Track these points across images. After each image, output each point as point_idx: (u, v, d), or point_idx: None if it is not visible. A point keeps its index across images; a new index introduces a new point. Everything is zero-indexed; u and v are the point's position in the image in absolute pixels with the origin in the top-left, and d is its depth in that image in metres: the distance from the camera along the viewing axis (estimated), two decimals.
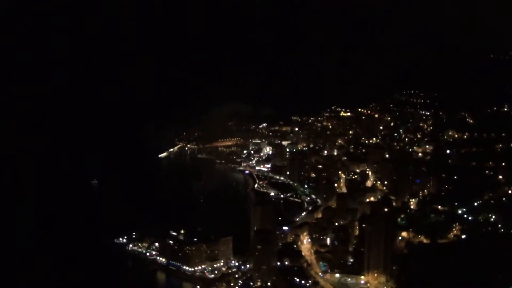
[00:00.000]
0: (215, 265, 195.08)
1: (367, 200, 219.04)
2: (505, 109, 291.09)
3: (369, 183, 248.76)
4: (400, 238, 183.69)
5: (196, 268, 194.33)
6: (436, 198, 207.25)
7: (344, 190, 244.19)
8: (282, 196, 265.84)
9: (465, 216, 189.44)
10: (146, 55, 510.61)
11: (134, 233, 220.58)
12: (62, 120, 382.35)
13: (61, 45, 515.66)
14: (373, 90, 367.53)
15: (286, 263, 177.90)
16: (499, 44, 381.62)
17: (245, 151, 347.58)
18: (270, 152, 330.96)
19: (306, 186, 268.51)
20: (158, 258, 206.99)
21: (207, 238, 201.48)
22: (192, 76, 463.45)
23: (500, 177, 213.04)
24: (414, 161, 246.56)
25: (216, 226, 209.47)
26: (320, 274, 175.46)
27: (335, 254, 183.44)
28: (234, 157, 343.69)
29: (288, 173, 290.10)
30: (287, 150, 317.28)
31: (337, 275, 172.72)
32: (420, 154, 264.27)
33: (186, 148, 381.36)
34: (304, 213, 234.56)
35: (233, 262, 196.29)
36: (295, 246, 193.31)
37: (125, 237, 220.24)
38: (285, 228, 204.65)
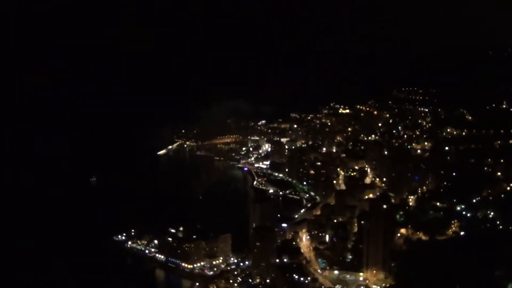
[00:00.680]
0: (214, 262, 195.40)
1: (366, 197, 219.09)
2: (504, 106, 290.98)
3: (368, 180, 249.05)
4: (398, 235, 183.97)
5: (195, 265, 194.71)
6: (435, 194, 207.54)
7: (343, 187, 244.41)
8: (281, 193, 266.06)
9: (463, 212, 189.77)
10: (145, 51, 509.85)
11: (133, 230, 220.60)
12: (61, 118, 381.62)
13: (60, 42, 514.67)
14: (372, 87, 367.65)
15: (285, 260, 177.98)
16: (498, 41, 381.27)
17: (244, 148, 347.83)
18: (269, 149, 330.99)
19: (305, 183, 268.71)
20: (157, 255, 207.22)
21: (206, 235, 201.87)
22: (191, 73, 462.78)
23: (499, 173, 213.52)
24: (413, 158, 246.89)
25: (215, 223, 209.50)
26: (319, 271, 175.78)
27: (334, 251, 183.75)
28: (233, 154, 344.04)
29: (287, 170, 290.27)
30: (286, 147, 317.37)
31: (336, 272, 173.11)
32: (418, 151, 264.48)
33: (185, 145, 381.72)
34: (303, 210, 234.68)
35: (232, 259, 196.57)
36: (294, 243, 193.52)
37: (124, 234, 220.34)
38: (284, 225, 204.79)
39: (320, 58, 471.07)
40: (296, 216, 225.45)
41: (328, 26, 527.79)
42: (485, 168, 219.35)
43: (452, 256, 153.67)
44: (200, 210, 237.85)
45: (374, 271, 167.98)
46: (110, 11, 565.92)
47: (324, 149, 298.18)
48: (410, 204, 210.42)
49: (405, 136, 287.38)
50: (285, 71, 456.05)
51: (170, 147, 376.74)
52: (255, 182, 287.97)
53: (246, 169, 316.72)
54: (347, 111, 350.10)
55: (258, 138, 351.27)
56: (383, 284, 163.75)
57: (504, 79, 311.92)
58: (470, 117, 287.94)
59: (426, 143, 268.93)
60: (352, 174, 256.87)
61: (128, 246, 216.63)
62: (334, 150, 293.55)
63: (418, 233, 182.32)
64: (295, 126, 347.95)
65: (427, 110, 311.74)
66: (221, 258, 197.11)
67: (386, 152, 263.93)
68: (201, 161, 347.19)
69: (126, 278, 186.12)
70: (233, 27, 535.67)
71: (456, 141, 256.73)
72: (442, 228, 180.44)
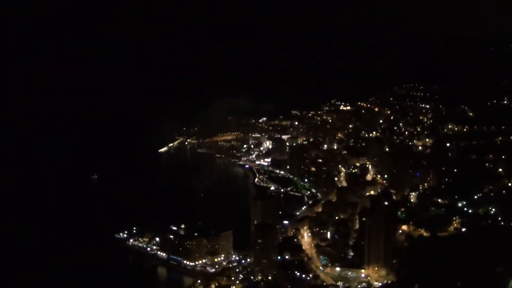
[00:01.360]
0: (215, 260, 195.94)
1: (367, 193, 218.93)
2: (505, 102, 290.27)
3: (369, 177, 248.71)
4: (400, 231, 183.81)
5: (196, 263, 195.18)
6: (436, 191, 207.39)
7: (344, 184, 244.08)
8: (282, 190, 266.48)
9: (465, 209, 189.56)
10: (145, 49, 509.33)
11: (134, 228, 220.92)
12: (62, 116, 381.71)
13: (60, 41, 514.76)
14: (373, 84, 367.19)
15: (287, 257, 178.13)
16: (499, 37, 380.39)
17: (245, 146, 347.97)
18: (270, 146, 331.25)
19: (306, 180, 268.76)
20: (158, 253, 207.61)
21: (208, 232, 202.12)
22: (191, 70, 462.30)
23: (500, 170, 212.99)
24: (414, 155, 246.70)
25: (216, 221, 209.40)
26: (320, 268, 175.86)
27: (335, 248, 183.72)
28: (234, 152, 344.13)
29: (288, 167, 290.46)
30: (287, 144, 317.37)
31: (338, 268, 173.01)
32: (420, 147, 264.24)
33: (186, 143, 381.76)
34: (304, 207, 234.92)
35: (233, 256, 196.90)
36: (295, 240, 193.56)
37: (126, 232, 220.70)
38: (286, 222, 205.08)
39: (321, 55, 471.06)
40: (297, 213, 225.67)
41: (329, 23, 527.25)
42: (487, 165, 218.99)
43: (453, 252, 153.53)
44: (202, 207, 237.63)
45: (376, 268, 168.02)
46: (111, 9, 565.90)
47: (325, 146, 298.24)
48: (412, 200, 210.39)
49: (406, 132, 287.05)
50: (286, 68, 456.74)
51: (171, 144, 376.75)
52: (256, 179, 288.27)
53: (247, 166, 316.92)
54: (348, 108, 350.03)
55: (259, 135, 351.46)
56: (385, 281, 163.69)
57: (505, 75, 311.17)
58: (471, 114, 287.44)
59: (427, 140, 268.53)
60: (353, 171, 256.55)
61: (130, 243, 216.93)
62: (335, 147, 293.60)
63: (419, 229, 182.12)
64: (296, 123, 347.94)
65: (428, 106, 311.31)
66: (223, 255, 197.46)
67: (387, 149, 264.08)
68: (202, 159, 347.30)
69: (127, 276, 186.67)
70: (234, 24, 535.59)
71: (457, 138, 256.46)
72: (444, 224, 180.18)
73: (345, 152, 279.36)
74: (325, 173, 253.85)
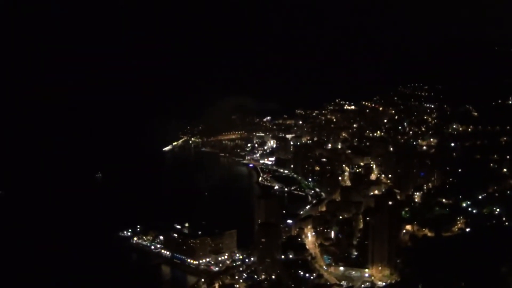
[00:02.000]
0: (219, 258, 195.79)
1: (371, 193, 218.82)
2: (510, 102, 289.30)
3: (373, 176, 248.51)
4: (404, 231, 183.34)
5: (200, 261, 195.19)
6: (441, 191, 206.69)
7: (348, 183, 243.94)
8: (286, 189, 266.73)
9: (469, 209, 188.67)
10: (149, 47, 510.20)
11: (138, 226, 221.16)
12: (66, 115, 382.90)
13: (63, 41, 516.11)
14: (377, 83, 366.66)
15: (290, 256, 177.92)
16: (504, 36, 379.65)
17: (249, 145, 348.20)
18: (274, 146, 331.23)
19: (310, 179, 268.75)
20: (162, 251, 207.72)
21: (212, 231, 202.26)
22: (195, 69, 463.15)
23: (505, 170, 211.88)
24: (419, 154, 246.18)
25: (220, 220, 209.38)
26: (324, 267, 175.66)
27: (339, 247, 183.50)
28: (238, 151, 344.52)
29: (292, 166, 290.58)
30: (291, 143, 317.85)
31: (341, 268, 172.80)
32: (424, 147, 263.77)
33: (190, 142, 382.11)
34: (308, 206, 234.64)
35: (237, 255, 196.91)
36: (299, 239, 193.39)
37: (130, 230, 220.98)
38: (289, 221, 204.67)
39: (325, 54, 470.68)
40: (301, 212, 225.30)
41: (333, 22, 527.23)
42: (491, 164, 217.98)
43: (457, 252, 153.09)
44: (206, 206, 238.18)
45: (380, 268, 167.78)
46: (116, 7, 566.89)
47: (329, 145, 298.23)
48: (416, 200, 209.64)
49: (411, 132, 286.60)
50: (290, 67, 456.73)
51: (176, 143, 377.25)
52: (260, 179, 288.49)
53: (251, 165, 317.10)
54: (353, 107, 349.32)
55: (263, 134, 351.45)
56: (389, 281, 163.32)
57: (510, 74, 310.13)
58: (475, 113, 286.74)
59: (431, 139, 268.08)
60: (357, 170, 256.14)
61: (134, 242, 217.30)
62: (339, 147, 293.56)
63: (423, 229, 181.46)
64: (300, 122, 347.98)
65: (432, 106, 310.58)
66: (227, 254, 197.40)
67: (391, 149, 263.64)
68: (206, 157, 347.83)
69: (131, 274, 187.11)
70: (238, 23, 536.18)
71: (462, 137, 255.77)
72: (448, 224, 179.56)
73: (349, 151, 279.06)
74: (329, 173, 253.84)
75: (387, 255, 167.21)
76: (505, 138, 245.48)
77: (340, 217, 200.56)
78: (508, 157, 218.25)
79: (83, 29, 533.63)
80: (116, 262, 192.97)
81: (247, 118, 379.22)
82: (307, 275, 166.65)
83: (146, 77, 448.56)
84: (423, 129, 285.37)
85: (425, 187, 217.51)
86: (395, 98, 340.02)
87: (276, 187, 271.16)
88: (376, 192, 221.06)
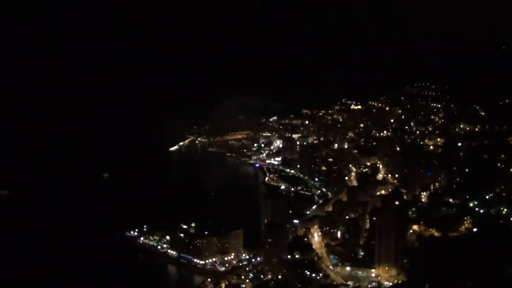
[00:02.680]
0: (225, 258, 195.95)
1: (378, 193, 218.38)
2: None
3: (380, 176, 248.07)
4: (411, 231, 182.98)
5: (207, 261, 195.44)
6: (448, 191, 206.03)
7: (354, 183, 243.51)
8: (292, 189, 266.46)
9: (476, 209, 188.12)
10: (156, 47, 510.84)
11: (145, 226, 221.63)
12: (74, 115, 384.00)
13: (71, 40, 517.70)
14: (384, 83, 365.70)
15: (297, 256, 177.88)
16: (511, 36, 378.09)
17: (255, 145, 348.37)
18: (281, 146, 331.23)
19: (316, 179, 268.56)
20: (169, 251, 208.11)
21: (218, 231, 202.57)
22: (202, 69, 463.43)
23: None
24: (425, 154, 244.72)
25: (226, 219, 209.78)
26: (330, 267, 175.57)
27: (345, 247, 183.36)
28: (245, 151, 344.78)
29: (298, 166, 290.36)
30: (298, 143, 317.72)
31: (348, 268, 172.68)
32: (431, 147, 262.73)
33: (197, 142, 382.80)
34: (315, 206, 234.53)
35: (243, 255, 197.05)
36: (305, 239, 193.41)
37: (136, 230, 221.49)
38: (296, 221, 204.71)
39: (331, 54, 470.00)
40: (307, 212, 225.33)
41: (340, 22, 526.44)
42: (498, 164, 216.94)
43: (464, 252, 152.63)
44: (212, 206, 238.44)
45: (386, 268, 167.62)
46: (123, 6, 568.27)
47: (336, 145, 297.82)
48: (423, 200, 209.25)
49: (418, 132, 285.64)
50: (296, 67, 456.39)
51: (182, 143, 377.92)
52: (266, 178, 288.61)
53: (257, 165, 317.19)
54: (359, 107, 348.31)
55: (269, 134, 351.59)
56: (395, 281, 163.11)
57: None
58: (483, 113, 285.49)
59: (438, 139, 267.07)
60: (364, 170, 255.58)
61: (140, 241, 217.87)
62: (346, 146, 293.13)
63: (430, 229, 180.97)
64: (307, 122, 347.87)
65: (439, 106, 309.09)
66: (233, 254, 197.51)
67: (398, 148, 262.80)
68: (212, 157, 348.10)
69: (138, 274, 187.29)
70: (245, 22, 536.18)
71: (469, 137, 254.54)
72: (455, 224, 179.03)
73: (355, 151, 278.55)
74: (336, 172, 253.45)
75: (394, 255, 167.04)
76: None
77: (347, 217, 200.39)
78: None
79: (91, 28, 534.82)
80: (123, 262, 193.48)
81: (253, 118, 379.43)
82: (313, 275, 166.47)
83: (153, 77, 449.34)
84: (430, 129, 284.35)
85: (432, 187, 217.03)
86: (402, 97, 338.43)
87: (283, 187, 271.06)
88: (383, 192, 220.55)
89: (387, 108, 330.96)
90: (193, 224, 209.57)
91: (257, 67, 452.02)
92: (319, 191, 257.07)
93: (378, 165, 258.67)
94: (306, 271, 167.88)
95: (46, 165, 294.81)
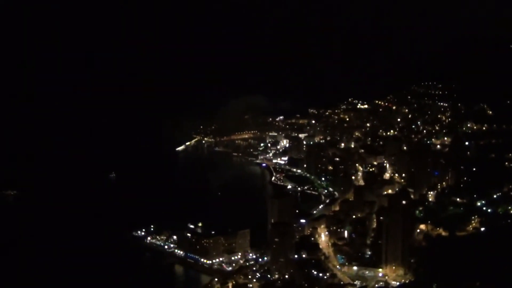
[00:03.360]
0: (232, 258, 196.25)
1: (385, 192, 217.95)
2: None
3: (386, 176, 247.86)
4: (418, 230, 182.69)
5: (214, 261, 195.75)
6: (455, 190, 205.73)
7: (361, 182, 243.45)
8: (299, 188, 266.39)
9: (484, 208, 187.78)
10: (163, 47, 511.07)
11: (152, 226, 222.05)
12: (80, 115, 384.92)
13: (78, 40, 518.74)
14: (391, 82, 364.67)
15: (304, 256, 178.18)
16: None
17: (262, 144, 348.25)
18: (287, 145, 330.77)
19: (323, 178, 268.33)
20: (176, 250, 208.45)
21: (225, 231, 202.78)
22: (208, 69, 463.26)
23: None
24: (432, 153, 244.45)
25: (233, 219, 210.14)
26: (337, 266, 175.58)
27: (352, 247, 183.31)
28: (251, 150, 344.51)
29: (305, 165, 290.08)
30: (304, 143, 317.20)
31: (355, 267, 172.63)
32: (438, 146, 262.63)
33: (203, 141, 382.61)
34: (322, 205, 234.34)
35: (250, 254, 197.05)
36: (312, 239, 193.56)
37: (143, 230, 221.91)
38: (303, 221, 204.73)
39: (338, 54, 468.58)
40: (314, 212, 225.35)
41: (346, 21, 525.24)
42: (506, 163, 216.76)
43: (472, 252, 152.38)
44: (219, 206, 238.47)
45: (393, 267, 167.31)
46: (131, 7, 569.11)
47: (343, 144, 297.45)
48: (430, 199, 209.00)
49: (425, 131, 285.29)
50: (302, 67, 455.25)
51: (189, 143, 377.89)
52: (273, 178, 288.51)
53: (264, 165, 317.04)
54: (366, 106, 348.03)
55: (276, 134, 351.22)
56: (403, 280, 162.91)
57: None
58: (490, 112, 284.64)
59: (445, 138, 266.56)
60: (370, 169, 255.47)
61: (147, 241, 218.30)
62: (353, 146, 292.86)
63: (437, 229, 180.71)
64: (313, 121, 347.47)
65: (446, 105, 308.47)
66: (240, 253, 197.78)
67: (405, 148, 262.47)
68: (219, 157, 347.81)
69: (145, 274, 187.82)
70: (252, 22, 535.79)
71: (476, 136, 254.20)
72: (462, 224, 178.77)
73: (362, 150, 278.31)
74: (342, 172, 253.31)
75: (401, 255, 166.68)
76: None
77: (354, 216, 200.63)
78: None
79: (98, 28, 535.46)
80: (130, 261, 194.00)
81: (260, 117, 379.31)
82: (320, 274, 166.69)
83: (160, 77, 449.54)
84: (437, 128, 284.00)
85: (439, 186, 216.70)
86: (409, 97, 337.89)
87: (289, 186, 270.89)
88: (390, 191, 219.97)
89: (394, 107, 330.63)
90: (200, 224, 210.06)
91: (264, 67, 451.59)
92: (325, 191, 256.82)
93: (385, 164, 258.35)
94: (313, 271, 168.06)
95: (53, 165, 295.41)
